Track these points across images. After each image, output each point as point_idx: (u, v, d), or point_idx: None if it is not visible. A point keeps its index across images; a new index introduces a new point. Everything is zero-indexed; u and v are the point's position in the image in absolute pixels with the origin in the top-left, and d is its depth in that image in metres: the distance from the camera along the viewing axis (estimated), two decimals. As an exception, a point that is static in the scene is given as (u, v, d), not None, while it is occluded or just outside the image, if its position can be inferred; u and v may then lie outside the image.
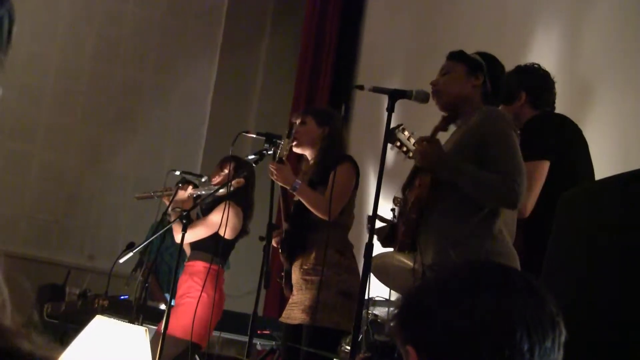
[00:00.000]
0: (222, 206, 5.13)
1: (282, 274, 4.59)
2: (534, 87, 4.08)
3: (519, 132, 3.42)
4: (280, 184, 4.42)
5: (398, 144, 4.18)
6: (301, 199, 4.37)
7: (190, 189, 5.40)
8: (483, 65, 3.49)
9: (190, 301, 5.04)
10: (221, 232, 5.06)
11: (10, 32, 1.07)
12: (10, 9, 1.05)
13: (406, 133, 4.19)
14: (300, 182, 4.34)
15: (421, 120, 4.14)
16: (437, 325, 1.39)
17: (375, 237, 3.41)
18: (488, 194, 3.29)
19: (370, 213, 3.39)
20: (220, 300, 5.28)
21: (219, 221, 5.00)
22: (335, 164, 4.38)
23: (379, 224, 3.63)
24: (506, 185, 3.25)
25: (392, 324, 1.47)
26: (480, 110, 3.46)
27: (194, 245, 5.40)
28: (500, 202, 3.30)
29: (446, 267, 1.54)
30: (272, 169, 4.33)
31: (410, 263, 3.79)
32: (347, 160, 4.48)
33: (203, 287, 5.01)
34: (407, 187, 3.56)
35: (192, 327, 4.80)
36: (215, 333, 5.66)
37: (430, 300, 1.43)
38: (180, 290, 5.33)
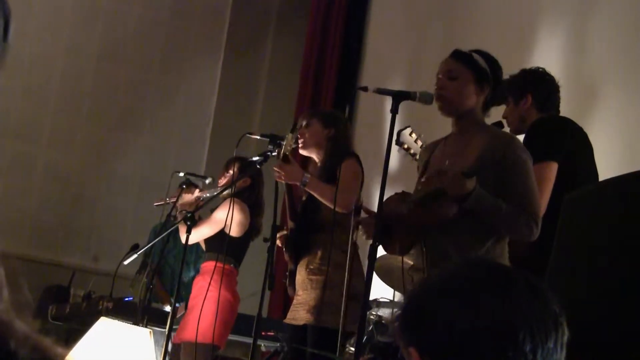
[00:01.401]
0: (225, 204, 5.12)
1: (287, 273, 4.59)
2: (540, 90, 4.08)
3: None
4: (289, 182, 4.41)
5: (405, 146, 4.19)
6: (313, 193, 4.35)
7: (197, 192, 5.41)
8: (490, 77, 3.45)
9: (207, 302, 5.01)
10: (227, 230, 5.06)
11: (6, 31, 1.06)
12: (4, 9, 1.04)
13: (413, 135, 4.19)
14: (309, 175, 4.32)
15: (425, 122, 4.15)
16: (440, 327, 1.39)
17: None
18: (512, 229, 3.32)
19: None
20: (234, 300, 5.27)
21: (223, 218, 4.99)
22: (340, 160, 4.37)
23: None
24: (529, 221, 3.28)
25: (394, 326, 1.47)
26: (490, 129, 3.44)
27: (208, 246, 5.41)
28: (520, 236, 3.35)
29: (448, 267, 1.54)
30: (277, 171, 4.32)
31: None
32: (352, 156, 4.48)
33: (209, 285, 4.99)
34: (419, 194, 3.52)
35: (197, 327, 4.78)
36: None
37: (432, 302, 1.43)
38: (194, 291, 5.33)
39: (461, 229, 3.30)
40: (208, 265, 5.28)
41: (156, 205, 5.94)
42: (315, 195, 4.34)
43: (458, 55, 3.51)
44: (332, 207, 4.21)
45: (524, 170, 3.33)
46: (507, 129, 3.95)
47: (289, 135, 4.39)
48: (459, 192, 3.22)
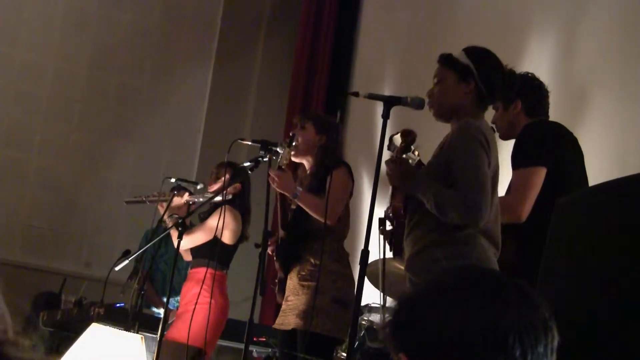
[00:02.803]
0: (219, 211, 5.13)
1: (276, 280, 4.60)
2: (530, 95, 4.08)
3: (486, 143, 3.38)
4: (280, 191, 4.43)
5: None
6: (302, 206, 4.37)
7: (186, 196, 5.41)
8: (472, 70, 3.46)
9: (200, 307, 5.00)
10: (219, 237, 5.07)
11: None
12: None
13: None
14: (300, 189, 4.35)
15: (417, 126, 4.15)
16: (430, 333, 1.39)
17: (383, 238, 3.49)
18: (448, 213, 3.29)
19: (365, 219, 3.40)
20: (226, 305, 5.28)
21: (219, 227, 5.01)
22: (331, 169, 4.39)
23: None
24: (465, 206, 3.25)
25: (385, 332, 1.47)
26: (458, 124, 3.46)
27: (195, 252, 5.40)
28: (461, 221, 3.30)
29: (437, 273, 1.54)
30: (272, 177, 4.33)
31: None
32: (342, 165, 4.49)
33: (212, 294, 5.01)
34: (391, 198, 3.60)
35: (189, 332, 4.78)
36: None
37: (422, 308, 1.43)
38: (186, 298, 5.32)
39: (436, 223, 3.33)
40: (198, 272, 5.29)
41: (126, 202, 5.94)
42: (305, 207, 4.36)
43: (440, 59, 3.56)
44: (320, 219, 4.23)
45: (465, 157, 3.32)
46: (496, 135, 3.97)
47: (286, 150, 4.41)
48: (391, 178, 3.46)
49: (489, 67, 3.50)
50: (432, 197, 3.28)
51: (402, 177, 3.42)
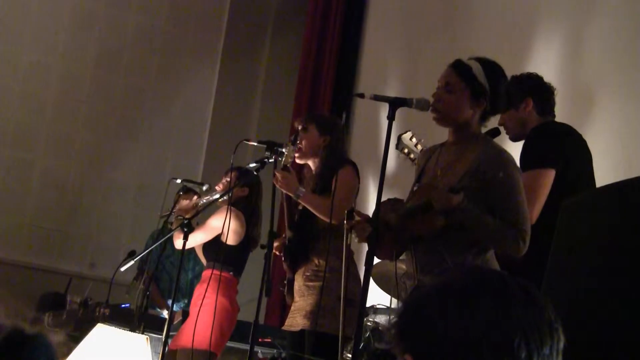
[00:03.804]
0: (221, 211, 5.13)
1: (285, 282, 4.59)
2: (540, 93, 4.08)
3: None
4: (284, 191, 4.43)
5: (405, 150, 4.19)
6: (306, 206, 4.37)
7: (194, 199, 5.40)
8: (487, 92, 3.45)
9: (205, 309, 5.00)
10: (223, 237, 5.07)
11: None
12: None
13: (414, 140, 4.19)
14: (303, 189, 4.35)
15: (422, 128, 4.15)
16: (436, 335, 1.39)
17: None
18: (499, 243, 3.34)
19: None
20: (232, 308, 5.25)
21: (218, 225, 5.00)
22: (336, 169, 4.38)
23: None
24: (518, 237, 3.29)
25: (391, 333, 1.47)
26: (482, 143, 3.44)
27: (207, 256, 5.40)
28: (507, 251, 3.35)
29: (444, 274, 1.54)
30: (277, 176, 4.34)
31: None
32: (348, 164, 4.49)
33: (206, 292, 5.00)
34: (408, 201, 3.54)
35: (194, 335, 4.78)
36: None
37: (428, 310, 1.43)
38: (192, 299, 5.33)
39: (449, 238, 3.32)
40: (207, 273, 5.29)
41: (162, 216, 5.93)
42: (308, 207, 4.36)
43: (457, 67, 3.50)
44: (324, 219, 4.24)
45: (513, 186, 3.34)
46: (503, 136, 3.96)
47: (290, 147, 4.41)
48: (445, 206, 3.28)
49: (499, 88, 3.50)
50: (484, 227, 3.28)
51: (454, 205, 3.29)
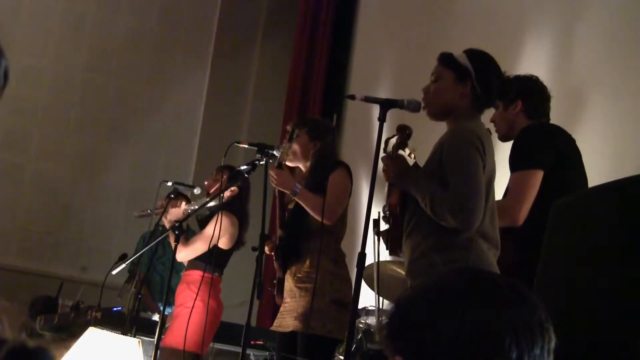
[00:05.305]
0: (216, 218, 5.13)
1: (275, 281, 4.59)
2: (531, 96, 4.08)
3: (481, 147, 3.37)
4: (280, 189, 4.42)
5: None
6: (302, 203, 4.36)
7: (184, 205, 5.39)
8: (471, 72, 3.46)
9: (187, 311, 5.03)
10: (215, 242, 5.07)
11: (6, 76, 1.16)
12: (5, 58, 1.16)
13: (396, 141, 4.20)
14: (300, 186, 4.34)
15: (414, 129, 4.15)
16: (426, 336, 1.39)
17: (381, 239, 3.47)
18: (442, 214, 3.28)
19: (362, 221, 3.40)
20: (218, 308, 5.27)
21: (216, 233, 5.01)
22: (329, 171, 4.39)
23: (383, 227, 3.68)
24: (460, 209, 3.24)
25: (382, 334, 1.47)
26: (453, 126, 3.46)
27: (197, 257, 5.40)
28: (454, 223, 3.28)
29: (434, 275, 1.54)
30: (272, 175, 4.34)
31: (403, 272, 3.79)
32: (341, 166, 4.49)
33: (197, 295, 5.01)
34: (387, 195, 3.59)
35: (185, 336, 4.79)
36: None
37: (419, 312, 1.43)
38: (178, 300, 5.33)
39: (434, 227, 3.32)
40: (192, 275, 5.29)
41: (136, 216, 5.94)
42: (304, 205, 4.35)
43: (440, 57, 3.55)
44: (318, 218, 4.24)
45: (460, 160, 3.32)
46: (494, 136, 3.96)
47: (287, 145, 4.41)
48: (388, 176, 3.47)
49: (487, 71, 3.49)
50: (428, 196, 3.29)
51: (398, 173, 3.44)
